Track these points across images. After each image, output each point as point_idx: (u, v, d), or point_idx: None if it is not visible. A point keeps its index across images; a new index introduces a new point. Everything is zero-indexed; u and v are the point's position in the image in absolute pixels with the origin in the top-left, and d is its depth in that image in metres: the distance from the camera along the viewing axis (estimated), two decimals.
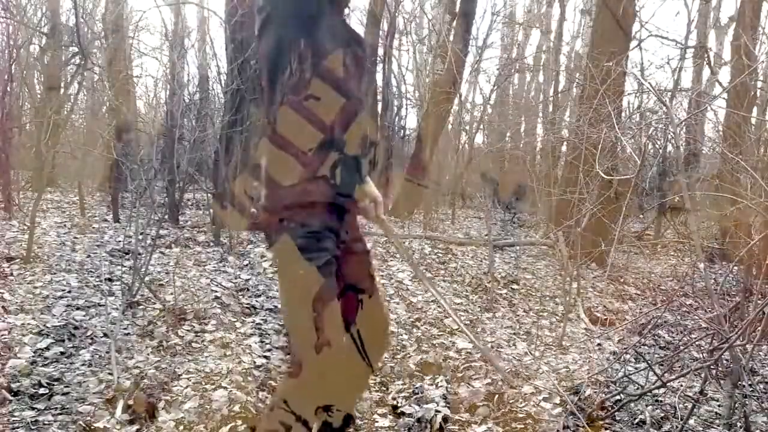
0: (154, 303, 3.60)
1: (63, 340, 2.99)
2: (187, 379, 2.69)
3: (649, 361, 2.60)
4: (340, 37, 1.65)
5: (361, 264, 1.75)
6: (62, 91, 10.04)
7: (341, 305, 1.72)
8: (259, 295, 4.17)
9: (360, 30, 10.47)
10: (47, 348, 2.88)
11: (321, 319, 1.61)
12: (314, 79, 1.59)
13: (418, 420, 2.47)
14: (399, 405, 2.62)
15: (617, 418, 2.57)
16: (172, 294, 3.70)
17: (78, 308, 3.49)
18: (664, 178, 8.96)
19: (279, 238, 1.64)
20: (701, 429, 2.48)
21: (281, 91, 1.61)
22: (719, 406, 2.66)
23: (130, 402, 2.36)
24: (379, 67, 10.48)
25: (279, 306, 3.92)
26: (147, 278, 3.75)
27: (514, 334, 3.98)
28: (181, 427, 2.28)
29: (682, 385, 2.82)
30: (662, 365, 2.76)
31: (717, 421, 2.52)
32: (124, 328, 3.22)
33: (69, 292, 3.79)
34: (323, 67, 1.60)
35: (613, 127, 4.11)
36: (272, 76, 1.62)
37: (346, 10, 1.81)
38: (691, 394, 2.73)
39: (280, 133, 1.60)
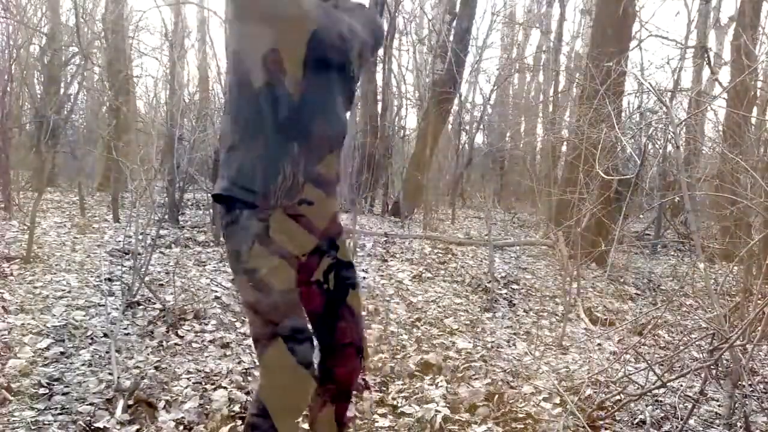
0: (154, 303, 3.60)
1: (63, 340, 2.99)
2: (187, 379, 2.69)
3: (649, 361, 2.60)
4: (332, 139, 1.66)
5: (353, 368, 1.75)
6: (62, 91, 10.05)
7: (336, 409, 1.76)
8: None
9: None
10: (47, 348, 2.88)
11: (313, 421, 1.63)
12: (307, 184, 1.59)
13: (418, 420, 2.47)
14: (399, 405, 2.62)
15: (617, 418, 2.58)
16: (172, 294, 3.70)
17: (78, 308, 3.49)
18: (664, 178, 8.96)
19: (270, 344, 1.64)
20: (701, 429, 2.48)
21: (274, 195, 1.60)
22: (719, 406, 2.67)
23: (130, 402, 2.37)
24: (379, 67, 10.47)
25: None
26: (147, 278, 3.75)
27: (514, 334, 3.98)
28: (181, 427, 2.29)
29: (682, 385, 2.82)
30: (662, 365, 2.76)
31: (717, 421, 2.53)
32: (124, 328, 3.22)
33: (69, 292, 3.79)
34: (316, 171, 1.60)
35: (613, 127, 4.12)
36: (265, 179, 1.62)
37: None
38: (691, 394, 2.73)
39: (273, 237, 1.60)
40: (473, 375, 2.99)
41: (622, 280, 5.91)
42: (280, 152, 1.58)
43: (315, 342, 1.67)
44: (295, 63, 1.60)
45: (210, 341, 3.22)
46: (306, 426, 1.82)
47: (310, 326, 1.68)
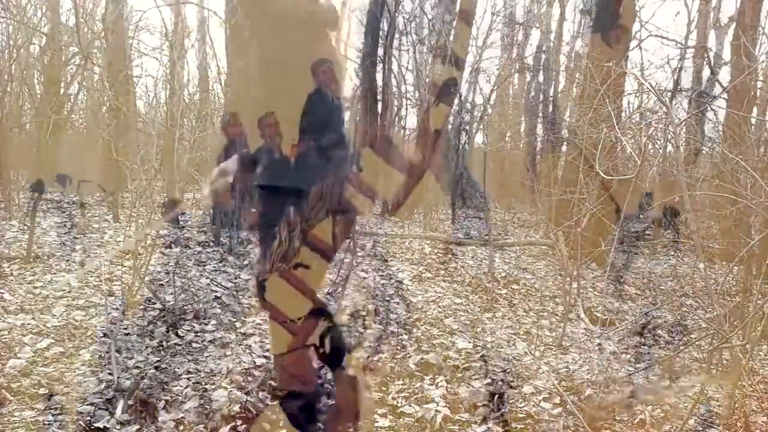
0: (154, 303, 3.60)
1: (63, 340, 2.99)
2: (187, 379, 2.69)
3: (649, 361, 2.60)
4: (329, 204, 1.66)
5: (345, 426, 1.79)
6: (62, 91, 10.04)
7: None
8: None
9: (360, 30, 10.47)
10: (47, 348, 2.88)
11: None
12: (303, 248, 1.60)
13: (418, 420, 2.47)
14: (399, 405, 2.62)
15: (617, 418, 2.58)
16: (172, 294, 3.70)
17: (78, 308, 3.49)
18: (664, 178, 8.95)
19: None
20: (701, 429, 2.48)
21: (270, 258, 1.61)
22: (719, 406, 2.66)
23: (130, 402, 2.37)
24: (379, 67, 10.47)
25: None
26: (147, 278, 3.75)
27: (514, 334, 3.98)
28: (181, 427, 2.29)
29: (682, 386, 2.82)
30: (662, 365, 2.76)
31: (717, 421, 2.52)
32: (124, 328, 3.22)
33: (69, 292, 3.79)
34: (312, 235, 1.60)
35: (613, 127, 4.11)
36: (262, 243, 1.63)
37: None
38: (691, 394, 2.73)
39: (269, 301, 1.61)
40: (473, 375, 2.99)
41: (622, 280, 5.91)
42: (276, 215, 1.59)
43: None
44: (291, 126, 1.62)
45: (210, 341, 3.22)
46: None
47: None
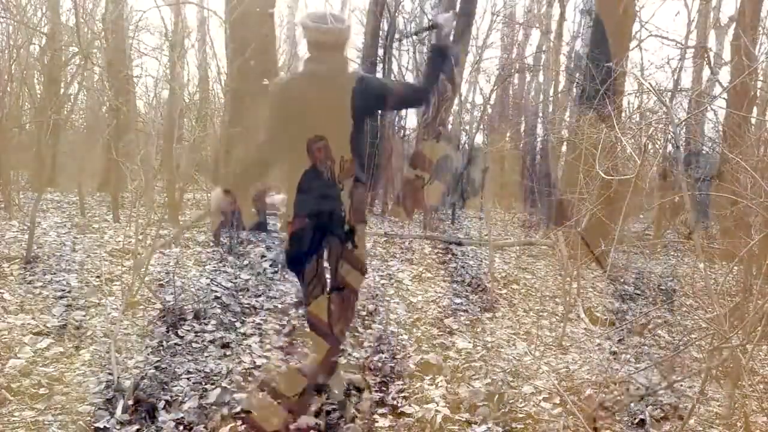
0: (154, 303, 3.60)
1: (63, 340, 2.99)
2: (187, 379, 2.69)
3: (650, 362, 2.60)
4: (324, 282, 1.68)
5: None
6: (62, 91, 10.03)
7: None
8: (259, 295, 4.18)
9: (360, 30, 10.47)
10: (47, 348, 2.88)
11: None
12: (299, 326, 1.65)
13: (418, 420, 2.47)
14: (399, 405, 2.62)
15: (617, 418, 2.57)
16: (172, 294, 3.70)
17: (78, 308, 3.49)
18: (664, 178, 8.94)
19: None
20: (701, 429, 2.48)
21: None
22: (719, 406, 2.66)
23: (130, 402, 2.37)
24: (379, 67, 10.47)
25: (279, 306, 3.93)
26: (147, 278, 3.75)
27: (514, 334, 3.98)
28: (181, 427, 2.29)
29: (682, 385, 2.83)
30: (662, 365, 2.76)
31: (717, 421, 2.53)
32: (124, 328, 3.22)
33: (69, 292, 3.78)
34: (308, 312, 1.62)
35: (613, 127, 4.11)
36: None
37: None
38: (691, 394, 2.73)
39: (268, 381, 1.64)
40: (473, 375, 2.99)
41: (622, 280, 5.91)
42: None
43: None
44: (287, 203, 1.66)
45: (210, 341, 3.22)
46: None
47: None
